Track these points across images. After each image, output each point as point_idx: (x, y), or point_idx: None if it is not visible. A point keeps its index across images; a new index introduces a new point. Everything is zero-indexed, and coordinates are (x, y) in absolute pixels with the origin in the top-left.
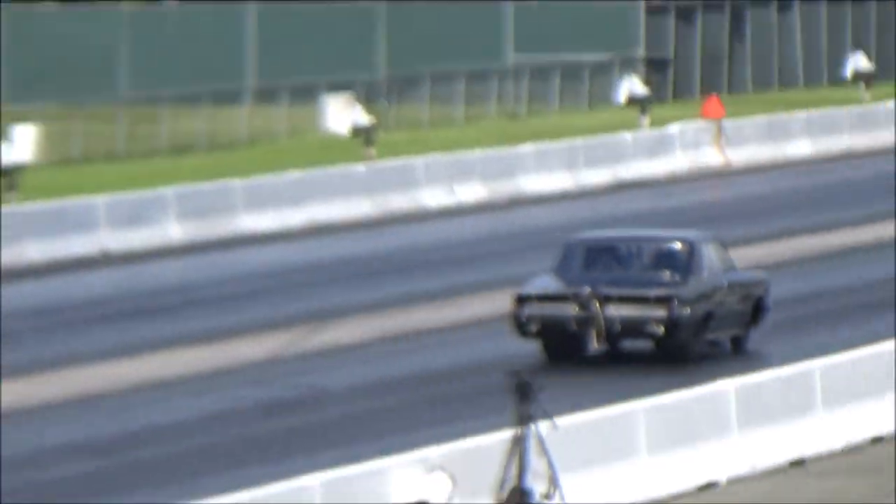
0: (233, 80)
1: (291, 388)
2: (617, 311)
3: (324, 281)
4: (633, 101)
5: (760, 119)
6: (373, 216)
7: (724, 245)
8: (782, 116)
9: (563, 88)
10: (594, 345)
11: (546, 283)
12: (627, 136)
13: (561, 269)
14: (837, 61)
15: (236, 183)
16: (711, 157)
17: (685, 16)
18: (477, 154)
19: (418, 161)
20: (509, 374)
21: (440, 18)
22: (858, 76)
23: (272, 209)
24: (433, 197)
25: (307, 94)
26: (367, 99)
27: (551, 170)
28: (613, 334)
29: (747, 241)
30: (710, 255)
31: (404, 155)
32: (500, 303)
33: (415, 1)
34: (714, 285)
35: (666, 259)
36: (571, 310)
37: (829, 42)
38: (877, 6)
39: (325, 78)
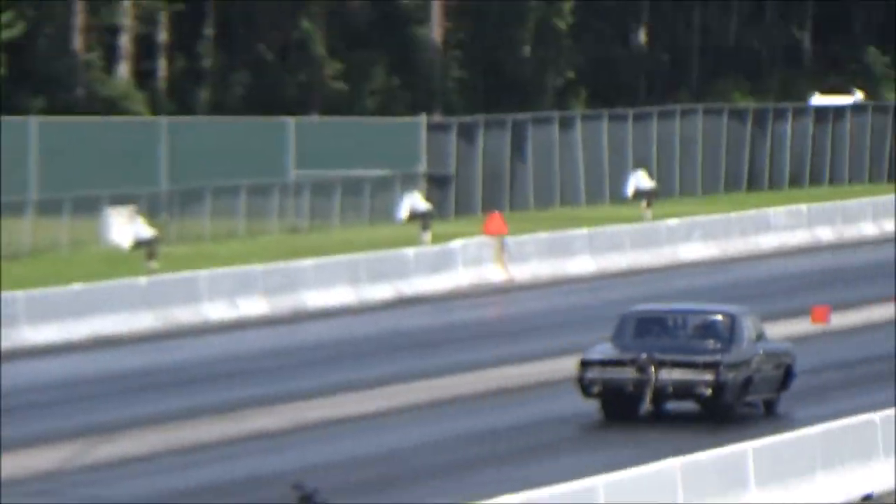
0: (16, 192)
1: (76, 500)
2: (669, 375)
3: (108, 393)
4: (414, 216)
5: (543, 236)
6: (156, 329)
7: (759, 318)
8: (564, 233)
9: (345, 204)
10: (647, 405)
11: (605, 349)
12: (409, 251)
13: (617, 338)
14: (619, 179)
15: (19, 294)
16: (494, 273)
17: (467, 133)
18: (259, 268)
19: (201, 274)
20: (294, 487)
21: (222, 133)
22: (640, 194)
23: (55, 321)
24: (216, 310)
25: (90, 207)
26: (150, 212)
27: (333, 284)
28: (666, 396)
29: (525, 358)
30: (748, 326)
31: (187, 268)
32: (283, 416)
33: (197, 115)
34: (752, 353)
35: (711, 329)
36: (629, 373)
37: (610, 160)
38: (658, 124)
39: (108, 191)
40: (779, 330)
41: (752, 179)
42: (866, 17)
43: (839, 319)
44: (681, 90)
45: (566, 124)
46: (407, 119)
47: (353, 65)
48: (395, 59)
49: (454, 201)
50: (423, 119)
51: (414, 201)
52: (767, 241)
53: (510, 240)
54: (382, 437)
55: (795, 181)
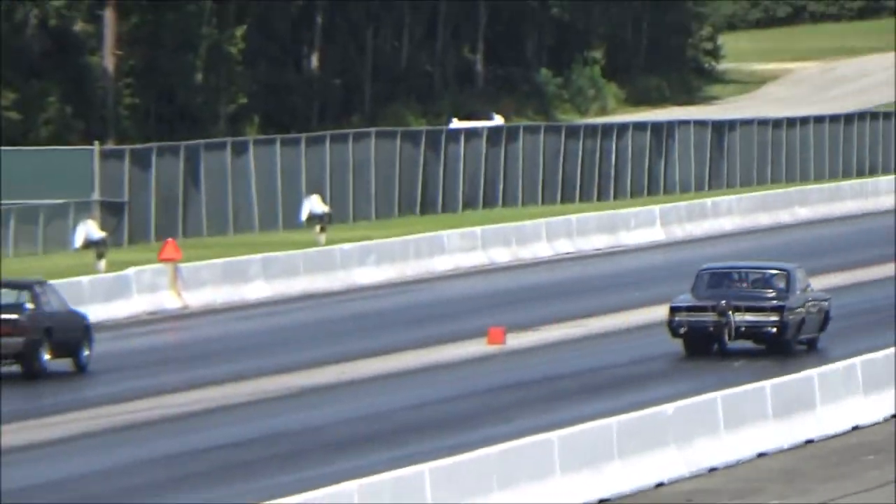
0: None
1: None
2: (742, 318)
3: None
4: (89, 245)
5: (217, 262)
6: None
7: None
8: (239, 260)
9: (18, 233)
10: (727, 341)
11: (688, 298)
12: (84, 280)
13: (696, 289)
14: (293, 204)
15: None
16: (169, 300)
17: (140, 160)
18: None
19: None
20: None
21: None
22: (313, 219)
23: None
24: None
25: None
26: None
27: None
28: (739, 335)
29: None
30: (799, 278)
31: None
32: None
33: None
34: (804, 300)
35: (771, 281)
36: (710, 317)
37: (284, 185)
38: (331, 149)
39: None
40: (455, 352)
41: (426, 202)
42: (538, 40)
43: (515, 340)
44: (354, 114)
45: (239, 150)
46: (79, 147)
47: (27, 94)
48: (68, 87)
49: (128, 229)
50: (95, 147)
51: (88, 229)
52: (442, 264)
53: (184, 266)
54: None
55: (470, 203)
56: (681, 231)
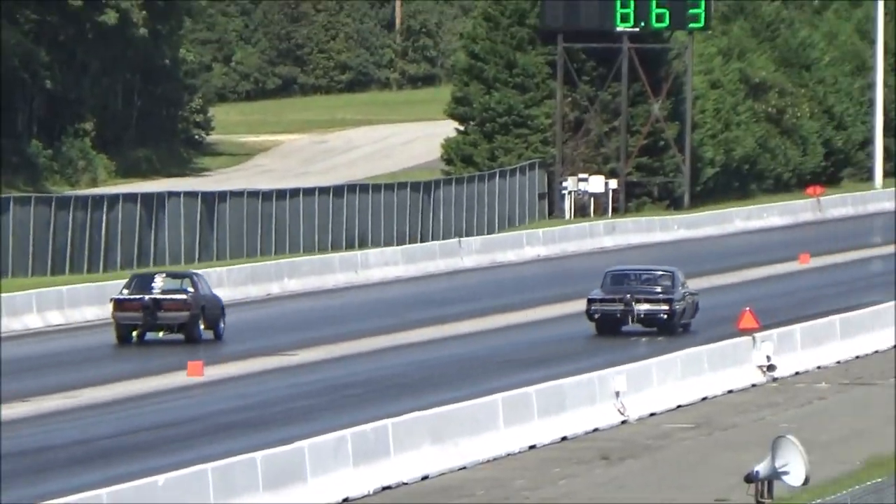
0: None
1: None
2: (640, 307)
3: None
4: None
5: None
6: None
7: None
8: None
9: None
10: (630, 324)
11: (600, 292)
12: None
13: (604, 286)
14: None
15: None
16: None
17: None
18: None
19: None
20: None
21: None
22: None
23: None
24: None
25: None
26: None
27: None
28: (639, 320)
29: None
30: (680, 278)
31: None
32: None
33: None
34: (683, 294)
35: (661, 279)
36: (617, 306)
37: None
38: None
39: None
40: None
41: None
42: (28, 111)
43: (9, 410)
44: None
45: None
46: None
47: None
48: None
49: None
50: None
51: None
52: None
53: None
54: None
55: None
56: None
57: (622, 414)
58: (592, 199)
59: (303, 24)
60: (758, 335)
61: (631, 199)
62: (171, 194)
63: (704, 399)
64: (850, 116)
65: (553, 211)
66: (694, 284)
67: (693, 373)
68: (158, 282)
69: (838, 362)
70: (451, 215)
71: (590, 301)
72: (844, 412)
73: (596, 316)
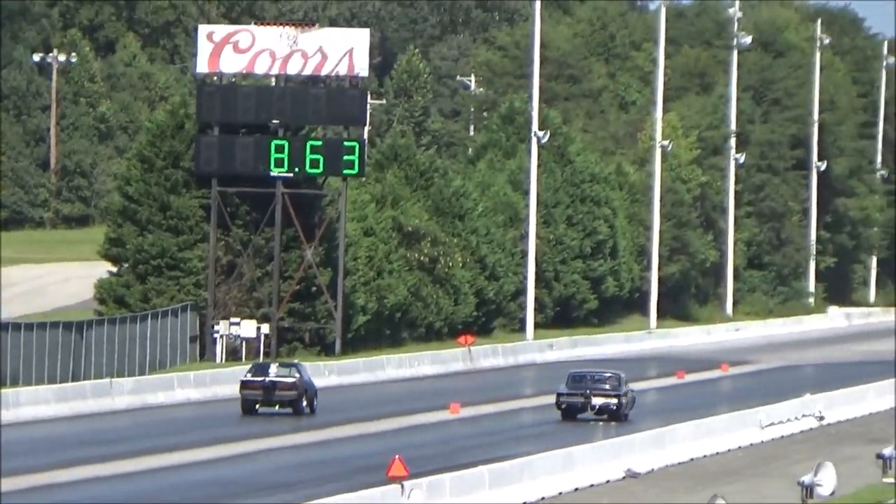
0: None
1: None
2: (596, 400)
3: None
4: None
5: None
6: None
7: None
8: None
9: None
10: (588, 412)
11: (565, 388)
12: None
13: (568, 383)
14: None
15: None
16: None
17: None
18: None
19: None
20: None
21: None
22: None
23: None
24: None
25: None
26: None
27: None
28: (595, 409)
29: None
30: (624, 378)
31: None
32: None
33: None
34: (627, 391)
35: (610, 379)
36: (578, 399)
37: None
38: None
39: None
40: None
41: None
42: None
43: None
44: None
45: None
46: None
47: None
48: None
49: None
50: None
51: None
52: None
53: None
54: None
55: None
56: None
57: None
58: (244, 343)
59: None
60: (406, 483)
61: (283, 344)
62: None
63: None
64: (503, 267)
65: (205, 354)
66: (345, 432)
67: None
68: (273, 368)
69: None
70: (103, 355)
71: (558, 395)
72: None
73: (563, 406)
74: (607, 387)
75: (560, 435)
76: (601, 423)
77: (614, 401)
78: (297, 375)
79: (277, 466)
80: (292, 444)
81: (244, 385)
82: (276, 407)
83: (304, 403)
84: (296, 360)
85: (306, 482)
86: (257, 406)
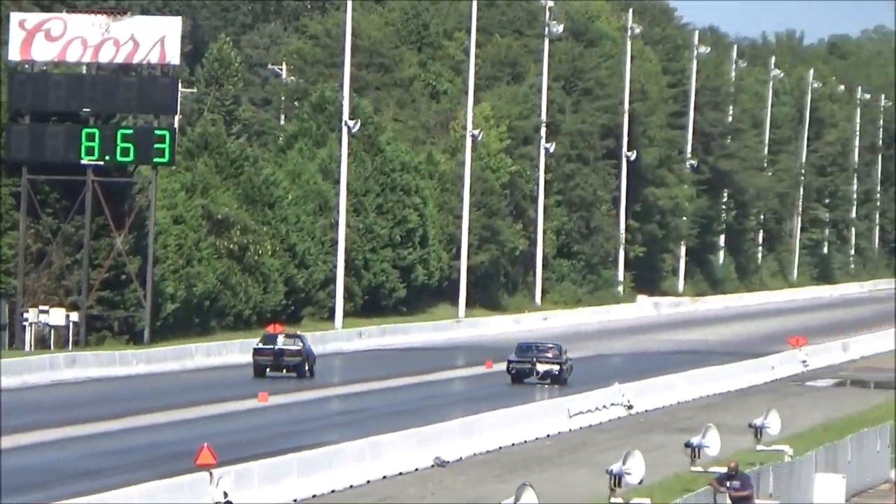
0: None
1: None
2: (541, 366)
3: None
4: None
5: None
6: None
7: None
8: None
9: None
10: (534, 378)
11: (514, 356)
12: None
13: (516, 352)
14: None
15: None
16: None
17: None
18: None
19: None
20: None
21: None
22: None
23: None
24: None
25: None
26: None
27: None
28: (539, 374)
29: None
30: (564, 348)
31: None
32: None
33: None
34: (566, 359)
35: (552, 349)
36: (526, 365)
37: None
38: None
39: None
40: None
41: None
42: None
43: None
44: None
45: None
46: None
47: None
48: None
49: None
50: None
51: None
52: None
53: None
54: None
55: None
56: None
57: None
58: (53, 332)
59: None
60: (215, 471)
61: (91, 333)
62: None
63: None
64: (312, 255)
65: (13, 342)
66: (152, 419)
67: None
68: (280, 339)
69: (294, 500)
70: None
71: (509, 361)
72: None
73: (513, 371)
74: (550, 355)
75: (368, 424)
76: (419, 409)
77: (556, 367)
78: (301, 345)
79: (82, 454)
80: (100, 432)
81: (256, 352)
82: (284, 371)
83: (307, 368)
84: (298, 332)
85: (113, 469)
86: (267, 370)
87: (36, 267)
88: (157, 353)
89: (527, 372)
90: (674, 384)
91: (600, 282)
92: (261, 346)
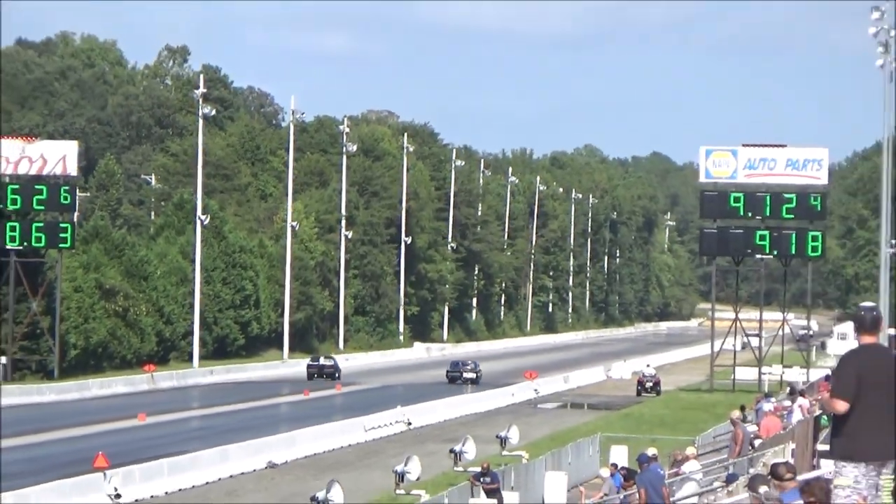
0: None
1: None
2: (467, 373)
3: None
4: None
5: None
6: None
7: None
8: None
9: None
10: (460, 382)
11: (450, 368)
12: None
13: (451, 365)
14: None
15: None
16: None
17: None
18: None
19: None
20: None
21: None
22: None
23: None
24: None
25: None
26: None
27: None
28: (466, 379)
29: None
30: (478, 364)
31: None
32: None
33: None
34: (479, 369)
35: (472, 364)
36: (458, 373)
37: None
38: None
39: None
40: None
41: None
42: None
43: None
44: None
45: None
46: None
47: None
48: None
49: None
50: None
51: None
52: None
53: None
54: None
55: None
56: None
57: None
58: None
59: None
60: (107, 472)
61: (16, 372)
62: None
63: None
64: (176, 315)
65: None
66: (57, 435)
67: None
68: (321, 359)
69: (166, 492)
70: None
71: (447, 371)
72: None
73: (449, 376)
74: (470, 366)
75: (218, 437)
76: (255, 426)
77: (474, 375)
78: (334, 362)
79: (6, 461)
80: (21, 444)
81: (309, 367)
82: (325, 377)
83: (337, 376)
84: (332, 354)
85: (24, 474)
86: (314, 375)
87: None
88: (64, 387)
89: (457, 377)
90: (441, 407)
91: (386, 333)
92: (310, 362)
